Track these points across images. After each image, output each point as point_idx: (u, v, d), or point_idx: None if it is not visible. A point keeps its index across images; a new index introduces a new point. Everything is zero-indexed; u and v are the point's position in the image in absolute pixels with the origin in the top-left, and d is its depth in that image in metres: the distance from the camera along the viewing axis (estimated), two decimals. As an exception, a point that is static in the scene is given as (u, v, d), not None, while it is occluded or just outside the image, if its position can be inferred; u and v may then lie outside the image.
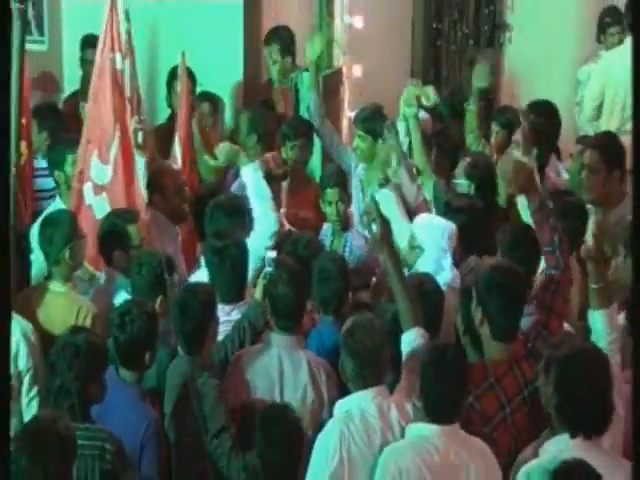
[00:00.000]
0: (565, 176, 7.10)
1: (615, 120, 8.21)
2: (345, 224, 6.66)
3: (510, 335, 4.86)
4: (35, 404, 5.27)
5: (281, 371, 5.11)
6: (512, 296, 4.84)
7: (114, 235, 5.90)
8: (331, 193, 6.61)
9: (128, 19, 6.41)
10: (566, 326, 5.19)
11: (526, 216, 5.87)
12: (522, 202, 6.08)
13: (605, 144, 6.53)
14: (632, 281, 4.49)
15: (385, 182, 6.47)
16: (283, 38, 7.95)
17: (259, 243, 5.91)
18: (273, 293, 5.19)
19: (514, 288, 4.85)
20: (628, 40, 8.22)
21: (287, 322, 5.18)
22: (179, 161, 6.84)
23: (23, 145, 6.30)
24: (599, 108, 8.32)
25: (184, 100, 6.97)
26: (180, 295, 5.22)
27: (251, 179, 6.18)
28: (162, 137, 7.31)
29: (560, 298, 4.97)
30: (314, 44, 7.36)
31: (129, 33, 6.43)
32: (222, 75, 7.70)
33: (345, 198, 6.65)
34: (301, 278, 5.25)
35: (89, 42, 7.36)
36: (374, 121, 6.97)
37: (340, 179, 6.73)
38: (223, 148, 6.64)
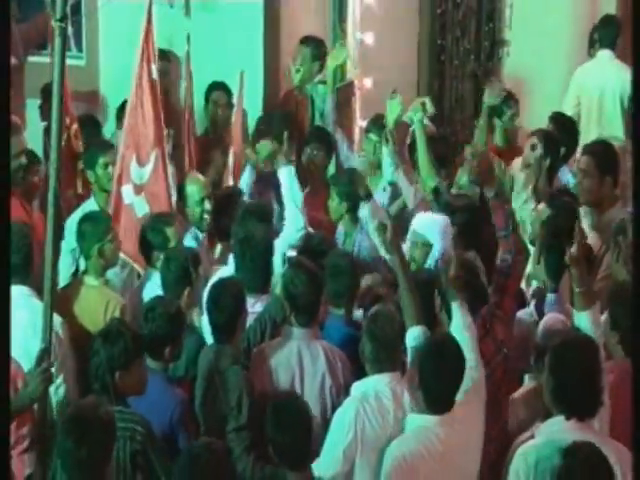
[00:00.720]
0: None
1: (593, 127, 8.52)
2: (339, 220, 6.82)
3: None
4: (62, 391, 5.49)
5: (300, 361, 5.32)
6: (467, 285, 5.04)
7: (153, 236, 6.18)
8: (332, 189, 6.85)
9: (189, 41, 6.99)
10: (562, 318, 5.35)
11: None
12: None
13: (598, 151, 6.81)
14: (632, 280, 4.76)
15: (368, 196, 6.76)
16: (316, 44, 8.28)
17: (286, 242, 6.17)
18: (293, 292, 5.36)
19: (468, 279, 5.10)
20: (600, 54, 8.58)
21: (306, 318, 5.38)
22: (231, 171, 7.23)
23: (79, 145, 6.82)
24: (577, 117, 8.50)
25: (238, 115, 7.29)
26: (212, 289, 5.45)
27: (287, 181, 6.41)
28: (202, 147, 7.59)
29: (513, 280, 5.20)
30: (337, 55, 7.73)
31: (188, 54, 6.98)
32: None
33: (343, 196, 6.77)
34: (318, 277, 5.44)
35: None
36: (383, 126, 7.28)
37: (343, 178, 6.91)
38: (264, 146, 6.97)
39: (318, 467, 4.84)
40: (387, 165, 7.14)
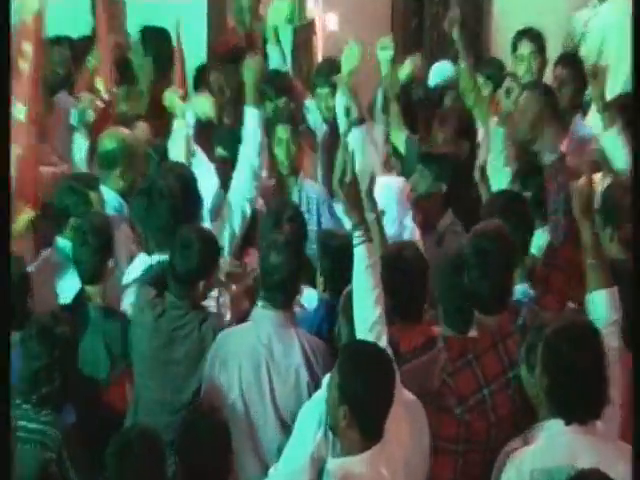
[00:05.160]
0: None
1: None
2: (296, 170, 6.36)
3: (495, 307, 4.48)
4: None
5: (270, 352, 4.81)
6: (499, 263, 4.45)
7: (72, 200, 5.68)
8: (281, 130, 6.30)
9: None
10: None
11: None
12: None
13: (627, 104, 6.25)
14: (632, 278, 4.23)
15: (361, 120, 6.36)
16: None
17: (242, 191, 5.83)
18: (265, 263, 4.87)
19: (501, 254, 4.48)
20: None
21: (279, 297, 4.86)
22: None
23: None
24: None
25: (179, 63, 7.24)
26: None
27: (252, 125, 5.86)
28: None
29: (557, 272, 4.74)
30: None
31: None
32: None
33: (296, 139, 6.33)
34: (296, 248, 4.98)
35: None
36: (332, 74, 6.79)
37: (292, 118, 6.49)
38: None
39: (280, 474, 4.29)
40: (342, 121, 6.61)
